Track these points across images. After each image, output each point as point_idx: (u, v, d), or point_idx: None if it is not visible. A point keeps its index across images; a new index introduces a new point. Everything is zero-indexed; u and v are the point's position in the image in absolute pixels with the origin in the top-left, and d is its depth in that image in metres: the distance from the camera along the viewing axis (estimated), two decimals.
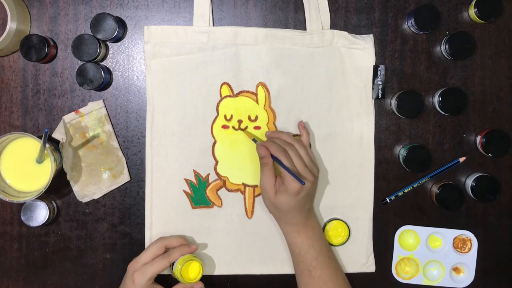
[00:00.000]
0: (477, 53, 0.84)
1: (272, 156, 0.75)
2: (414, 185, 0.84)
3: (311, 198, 0.78)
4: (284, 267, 0.83)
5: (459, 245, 0.85)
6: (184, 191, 0.82)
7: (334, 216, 0.84)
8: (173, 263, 0.76)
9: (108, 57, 0.83)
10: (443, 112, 0.82)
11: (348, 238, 0.83)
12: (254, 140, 0.79)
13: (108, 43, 0.83)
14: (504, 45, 0.84)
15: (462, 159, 0.83)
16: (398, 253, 0.85)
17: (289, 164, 0.74)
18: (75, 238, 0.83)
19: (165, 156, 0.81)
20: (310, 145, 0.81)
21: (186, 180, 0.82)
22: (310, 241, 0.76)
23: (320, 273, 0.75)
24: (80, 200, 0.82)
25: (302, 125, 0.81)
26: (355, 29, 0.83)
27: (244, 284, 0.84)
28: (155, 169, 0.81)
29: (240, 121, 0.82)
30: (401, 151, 0.84)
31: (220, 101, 0.82)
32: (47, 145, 0.74)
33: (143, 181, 0.82)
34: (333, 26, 0.83)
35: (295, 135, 0.81)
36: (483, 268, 0.86)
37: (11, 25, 0.76)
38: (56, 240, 0.83)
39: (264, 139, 0.81)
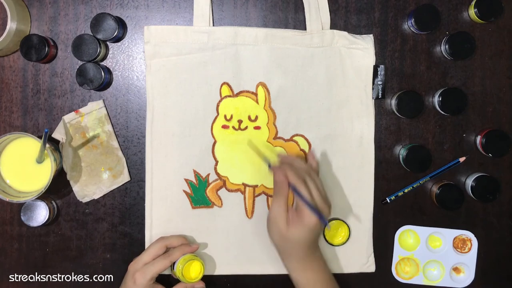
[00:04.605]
0: (477, 53, 0.84)
1: (290, 185, 0.70)
2: (414, 185, 0.84)
3: (321, 232, 0.76)
4: (284, 267, 0.83)
5: (459, 245, 0.85)
6: (184, 191, 0.82)
7: (334, 216, 0.84)
8: (173, 263, 0.76)
9: (108, 57, 0.83)
10: (443, 112, 0.82)
11: (348, 238, 0.83)
12: (269, 165, 0.75)
13: (108, 43, 0.83)
14: (504, 45, 0.84)
15: (462, 159, 0.84)
16: (398, 253, 0.85)
17: (308, 196, 0.69)
18: (75, 238, 0.83)
19: (165, 156, 0.81)
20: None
21: (186, 180, 0.82)
22: (316, 275, 0.73)
23: None
24: (80, 200, 0.82)
25: (312, 156, 0.80)
26: (355, 29, 0.83)
27: (244, 284, 0.84)
28: (155, 169, 0.81)
29: (240, 121, 0.82)
30: (401, 151, 0.84)
31: (220, 101, 0.82)
32: (47, 145, 0.74)
33: (143, 181, 0.82)
34: (333, 26, 0.83)
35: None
36: (483, 268, 0.86)
37: (11, 25, 0.76)
38: (56, 240, 0.83)
39: (264, 139, 0.81)
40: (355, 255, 0.84)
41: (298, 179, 0.70)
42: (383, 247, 0.85)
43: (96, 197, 0.83)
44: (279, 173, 0.71)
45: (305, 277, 0.73)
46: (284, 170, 0.71)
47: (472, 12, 0.82)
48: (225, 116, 0.82)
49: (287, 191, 0.71)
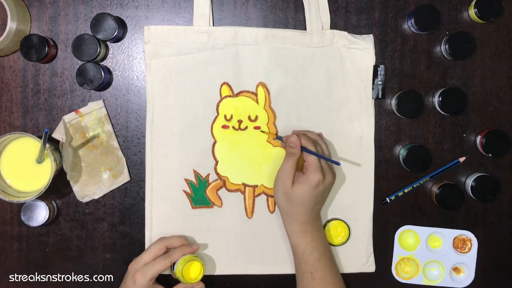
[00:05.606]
0: (477, 53, 0.84)
1: (302, 148, 0.75)
2: (414, 185, 0.84)
3: (324, 198, 0.78)
4: (284, 267, 0.83)
5: (459, 245, 0.85)
6: (184, 191, 0.82)
7: (334, 216, 0.84)
8: (173, 263, 0.76)
9: (108, 57, 0.83)
10: (443, 112, 0.82)
11: (348, 238, 0.83)
12: (281, 139, 0.79)
13: (108, 43, 0.83)
14: (504, 45, 0.84)
15: (462, 159, 0.83)
16: (398, 253, 0.85)
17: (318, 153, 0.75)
18: (75, 238, 0.83)
19: (165, 156, 0.81)
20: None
21: (186, 180, 0.82)
22: (314, 242, 0.76)
23: (322, 276, 0.75)
24: (80, 200, 0.82)
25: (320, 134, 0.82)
26: (355, 29, 0.83)
27: (244, 284, 0.84)
28: (155, 169, 0.81)
29: (240, 121, 0.82)
30: (401, 151, 0.84)
31: (220, 101, 0.82)
32: (47, 145, 0.74)
33: (143, 181, 0.82)
34: (333, 26, 0.83)
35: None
36: (483, 268, 0.86)
37: (11, 25, 0.76)
38: (56, 240, 0.83)
39: (264, 139, 0.81)
40: (355, 255, 0.84)
41: (309, 141, 0.76)
42: (383, 247, 0.85)
43: (96, 197, 0.83)
44: (293, 137, 0.75)
45: (305, 240, 0.76)
46: (298, 135, 0.76)
47: (472, 12, 0.82)
48: (225, 116, 0.82)
49: (299, 153, 0.75)
